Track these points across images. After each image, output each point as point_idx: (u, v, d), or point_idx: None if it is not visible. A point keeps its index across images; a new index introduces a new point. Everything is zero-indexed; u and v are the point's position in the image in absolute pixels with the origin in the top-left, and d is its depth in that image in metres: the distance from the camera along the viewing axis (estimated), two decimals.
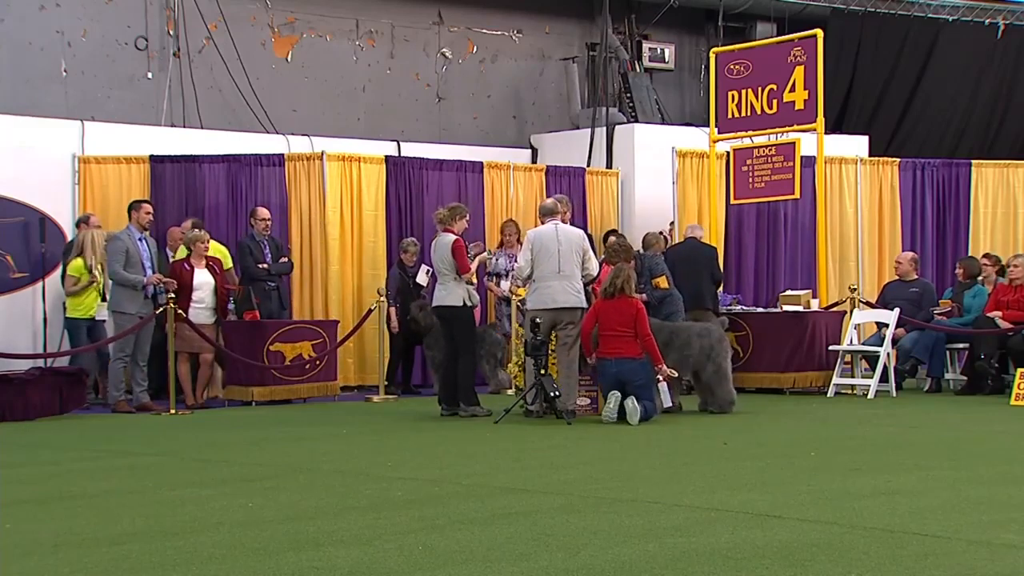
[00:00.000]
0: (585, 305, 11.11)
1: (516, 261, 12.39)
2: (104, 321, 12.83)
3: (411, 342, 13.77)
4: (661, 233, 15.22)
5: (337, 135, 16.07)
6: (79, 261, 12.66)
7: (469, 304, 11.31)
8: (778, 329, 13.48)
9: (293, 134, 15.81)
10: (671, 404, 11.01)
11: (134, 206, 12.36)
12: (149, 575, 4.90)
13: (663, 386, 10.73)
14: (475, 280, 11.60)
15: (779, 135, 14.19)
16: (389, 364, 13.70)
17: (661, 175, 15.54)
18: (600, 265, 11.56)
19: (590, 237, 11.98)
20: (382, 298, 13.24)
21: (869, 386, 12.90)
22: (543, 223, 11.35)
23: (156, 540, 5.50)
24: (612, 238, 14.61)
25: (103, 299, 12.71)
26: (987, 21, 20.43)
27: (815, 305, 13.75)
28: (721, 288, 13.90)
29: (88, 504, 6.67)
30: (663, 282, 12.25)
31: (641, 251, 13.10)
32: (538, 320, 10.74)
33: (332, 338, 13.10)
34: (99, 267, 12.63)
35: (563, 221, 11.39)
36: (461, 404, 11.22)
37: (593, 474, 7.57)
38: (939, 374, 13.59)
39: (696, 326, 11.46)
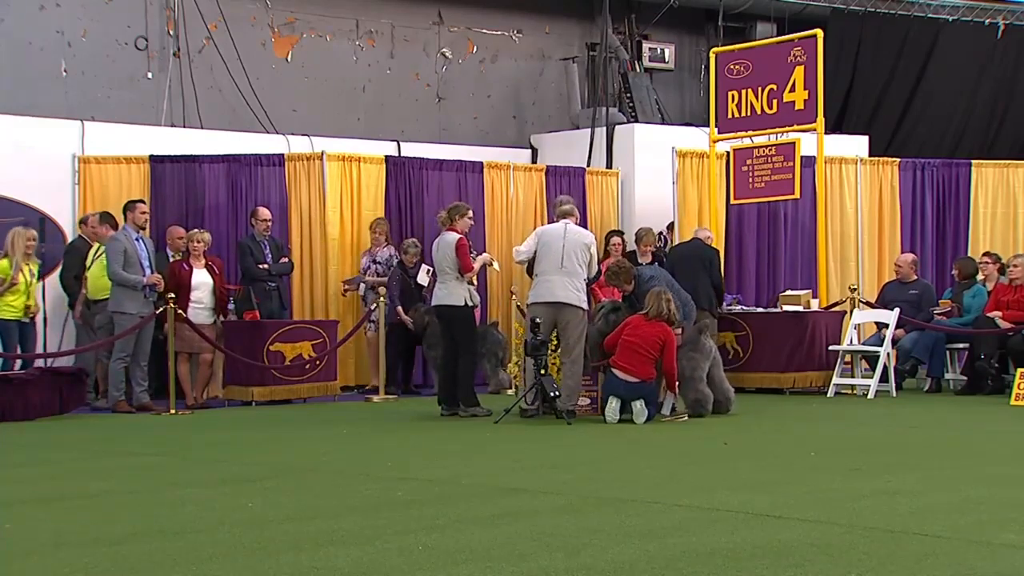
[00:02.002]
0: (587, 307, 11.12)
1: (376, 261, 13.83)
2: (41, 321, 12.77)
3: (411, 342, 13.77)
4: (661, 233, 15.23)
5: (337, 135, 16.05)
6: (4, 262, 12.37)
7: (470, 304, 11.31)
8: (778, 329, 13.47)
9: (293, 134, 15.81)
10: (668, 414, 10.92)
11: (129, 206, 12.34)
12: (149, 575, 4.90)
13: (668, 396, 10.71)
14: (476, 280, 11.61)
15: (779, 135, 14.19)
16: (388, 364, 13.69)
17: (661, 175, 15.52)
18: (599, 271, 11.58)
19: None
20: (382, 298, 13.24)
21: (869, 386, 12.89)
22: (556, 222, 11.49)
23: (156, 540, 5.50)
24: (615, 238, 14.70)
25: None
26: (987, 21, 20.43)
27: (815, 305, 13.74)
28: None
29: (88, 504, 6.67)
30: None
31: (638, 269, 13.05)
32: (538, 320, 10.74)
33: (332, 338, 13.10)
34: (27, 268, 12.27)
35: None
36: (461, 404, 11.22)
37: (593, 474, 7.57)
38: (939, 374, 13.58)
39: None
